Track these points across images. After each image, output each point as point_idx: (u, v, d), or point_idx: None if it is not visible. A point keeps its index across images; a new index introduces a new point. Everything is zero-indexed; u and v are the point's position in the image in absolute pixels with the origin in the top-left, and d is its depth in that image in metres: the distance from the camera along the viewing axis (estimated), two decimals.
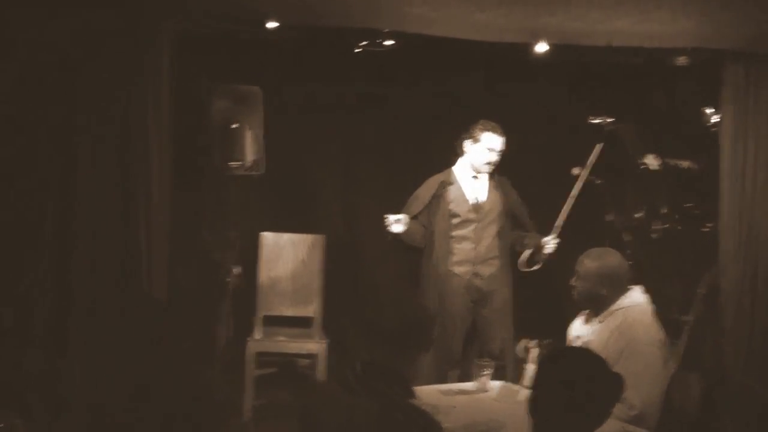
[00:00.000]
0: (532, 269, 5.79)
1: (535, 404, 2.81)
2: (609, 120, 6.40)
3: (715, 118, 5.88)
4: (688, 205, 6.50)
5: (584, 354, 2.93)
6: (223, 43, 5.94)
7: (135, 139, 4.98)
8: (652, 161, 6.46)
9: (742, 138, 5.47)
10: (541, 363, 2.95)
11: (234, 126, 5.76)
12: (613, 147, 6.60)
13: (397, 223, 5.55)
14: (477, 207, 5.76)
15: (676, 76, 6.31)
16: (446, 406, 4.08)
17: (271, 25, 5.23)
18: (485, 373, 4.55)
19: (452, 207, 5.74)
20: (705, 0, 5.32)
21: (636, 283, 4.51)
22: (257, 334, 6.09)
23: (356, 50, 6.12)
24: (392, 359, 3.21)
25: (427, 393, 4.19)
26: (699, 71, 5.91)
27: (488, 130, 5.71)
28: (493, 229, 5.77)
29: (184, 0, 5.00)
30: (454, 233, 5.73)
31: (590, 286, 4.42)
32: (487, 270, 5.75)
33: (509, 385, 4.57)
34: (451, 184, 5.78)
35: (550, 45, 5.37)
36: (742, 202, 5.49)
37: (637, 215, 6.57)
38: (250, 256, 6.24)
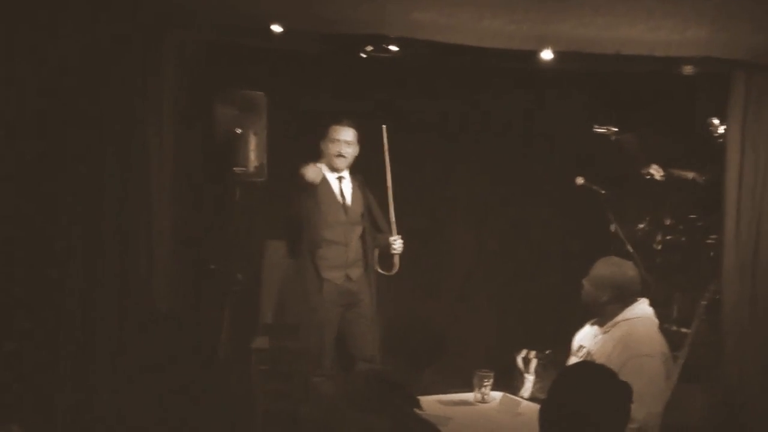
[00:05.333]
0: (390, 273, 5.76)
1: (545, 417, 2.79)
2: (614, 129, 6.40)
3: (721, 129, 5.85)
4: (692, 216, 6.48)
5: (598, 370, 2.92)
6: (228, 49, 5.93)
7: (138, 146, 4.96)
8: (656, 172, 6.44)
9: (749, 149, 5.44)
10: (557, 376, 2.94)
11: (238, 131, 5.76)
12: (618, 157, 6.60)
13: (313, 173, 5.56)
14: (345, 208, 5.76)
15: (683, 86, 6.29)
16: (444, 417, 4.06)
17: (277, 30, 5.21)
18: (486, 383, 4.54)
19: (323, 209, 5.71)
20: (716, 9, 5.27)
21: (640, 295, 4.50)
22: (261, 342, 6.06)
23: (362, 56, 6.11)
24: (401, 372, 3.24)
25: (427, 403, 4.17)
26: (707, 81, 5.89)
27: (332, 123, 5.75)
28: (358, 231, 5.79)
29: (190, 7, 4.98)
30: (325, 237, 5.69)
31: (594, 290, 4.45)
32: (356, 272, 5.75)
33: (509, 396, 4.55)
34: (319, 183, 5.74)
35: (557, 52, 5.34)
36: (746, 213, 5.45)
37: (640, 226, 6.55)
38: (253, 263, 6.22)
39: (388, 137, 5.83)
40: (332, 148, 5.73)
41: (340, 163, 5.74)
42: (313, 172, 5.57)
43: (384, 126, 5.76)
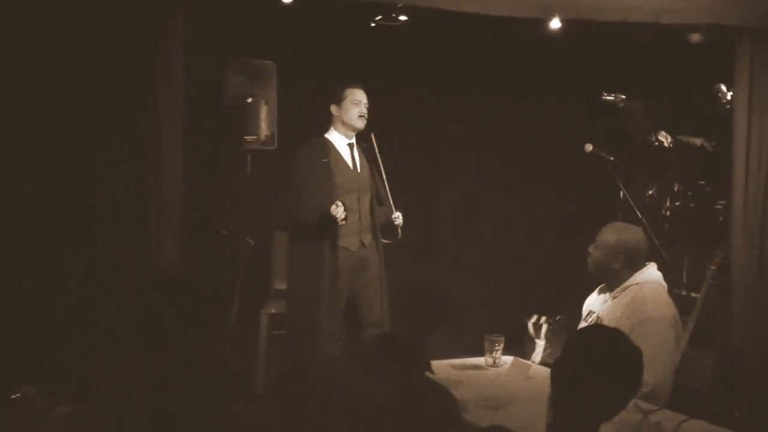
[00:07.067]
0: (389, 241, 5.76)
1: (557, 379, 2.82)
2: (622, 97, 6.39)
3: (728, 95, 5.86)
4: (700, 182, 6.49)
5: (609, 333, 2.94)
6: (238, 17, 5.94)
7: (149, 115, 4.97)
8: (664, 138, 6.45)
9: (756, 115, 5.45)
10: (569, 338, 2.96)
11: (248, 100, 5.77)
12: (626, 124, 6.61)
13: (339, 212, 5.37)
14: (357, 175, 5.66)
15: (690, 53, 6.28)
16: (456, 381, 4.10)
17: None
18: (497, 348, 4.57)
19: (335, 178, 5.56)
20: None
21: (649, 260, 4.51)
22: (271, 308, 6.10)
23: (371, 24, 6.12)
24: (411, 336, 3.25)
25: (438, 367, 4.20)
26: (713, 47, 5.88)
27: (348, 86, 5.59)
28: (368, 196, 5.70)
29: None
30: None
31: (604, 257, 4.42)
32: (368, 238, 5.67)
33: (520, 360, 4.58)
34: (329, 153, 5.60)
35: (563, 20, 5.34)
36: (754, 179, 5.47)
37: (649, 192, 6.56)
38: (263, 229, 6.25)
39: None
40: (354, 110, 5.55)
41: (362, 123, 5.58)
42: (338, 211, 5.34)
43: (372, 134, 5.66)
